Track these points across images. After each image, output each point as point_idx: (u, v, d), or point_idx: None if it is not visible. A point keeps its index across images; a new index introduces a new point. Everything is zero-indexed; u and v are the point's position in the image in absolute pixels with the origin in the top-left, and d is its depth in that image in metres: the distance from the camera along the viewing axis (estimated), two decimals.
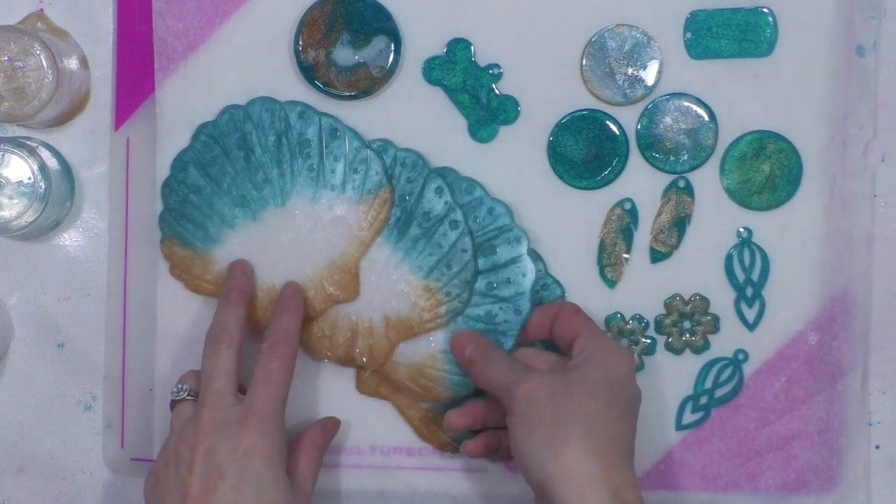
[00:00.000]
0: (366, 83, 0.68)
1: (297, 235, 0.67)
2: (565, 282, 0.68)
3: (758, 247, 0.67)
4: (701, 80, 0.67)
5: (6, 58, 0.67)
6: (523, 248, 0.67)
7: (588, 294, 0.68)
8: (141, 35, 0.70)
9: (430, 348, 0.67)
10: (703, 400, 0.68)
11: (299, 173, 0.67)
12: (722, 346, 0.68)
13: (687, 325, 0.68)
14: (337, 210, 0.67)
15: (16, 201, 0.67)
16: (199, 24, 0.69)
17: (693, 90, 0.67)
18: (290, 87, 0.68)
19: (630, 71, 0.67)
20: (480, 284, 0.67)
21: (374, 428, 0.69)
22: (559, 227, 0.68)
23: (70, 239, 0.71)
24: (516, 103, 0.68)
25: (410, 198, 0.67)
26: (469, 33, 0.68)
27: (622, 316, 0.68)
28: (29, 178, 0.67)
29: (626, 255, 0.68)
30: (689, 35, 0.67)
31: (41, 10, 0.70)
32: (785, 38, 0.67)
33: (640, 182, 0.68)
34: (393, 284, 0.67)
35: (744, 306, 0.68)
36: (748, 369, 0.68)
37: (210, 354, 0.63)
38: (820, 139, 0.67)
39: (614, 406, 0.59)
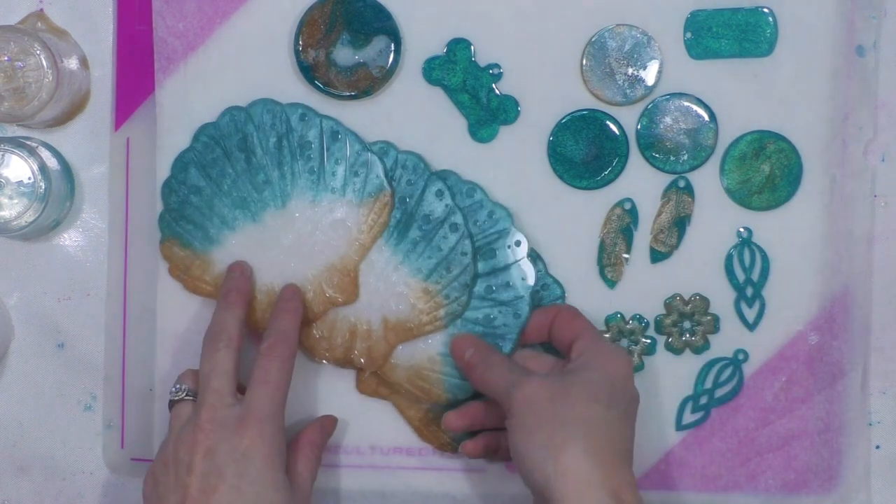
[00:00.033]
0: (366, 83, 0.68)
1: (297, 238, 0.67)
2: (565, 282, 0.68)
3: (758, 247, 0.67)
4: (701, 80, 0.67)
5: (6, 58, 0.67)
6: (523, 253, 0.67)
7: (588, 294, 0.68)
8: (141, 35, 0.70)
9: (428, 351, 0.67)
10: (703, 400, 0.68)
11: (300, 175, 0.67)
12: (722, 346, 0.68)
13: (687, 325, 0.68)
14: (337, 213, 0.67)
15: (16, 201, 0.67)
16: (199, 24, 0.69)
17: (693, 90, 0.67)
18: (290, 86, 0.68)
19: (630, 71, 0.67)
20: (479, 288, 0.67)
21: (374, 428, 0.69)
22: (559, 226, 0.68)
23: (70, 239, 0.71)
24: (516, 103, 0.68)
25: (411, 200, 0.67)
26: (469, 33, 0.68)
27: (622, 316, 0.68)
28: (29, 178, 0.67)
29: (626, 255, 0.68)
30: (689, 35, 0.67)
31: (41, 10, 0.70)
32: (785, 38, 0.67)
33: (640, 182, 0.68)
34: (392, 286, 0.67)
35: (744, 306, 0.68)
36: (748, 369, 0.68)
37: (208, 354, 0.63)
38: (820, 139, 0.67)
39: (613, 408, 0.59)
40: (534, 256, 0.67)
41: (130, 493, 0.72)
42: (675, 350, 0.68)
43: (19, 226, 0.67)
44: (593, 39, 0.67)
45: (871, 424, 0.69)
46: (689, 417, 0.68)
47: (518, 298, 0.66)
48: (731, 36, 0.67)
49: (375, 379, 0.68)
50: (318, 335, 0.68)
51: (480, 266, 0.67)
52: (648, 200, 0.68)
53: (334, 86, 0.68)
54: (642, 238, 0.68)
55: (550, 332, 0.65)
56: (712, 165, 0.67)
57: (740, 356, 0.68)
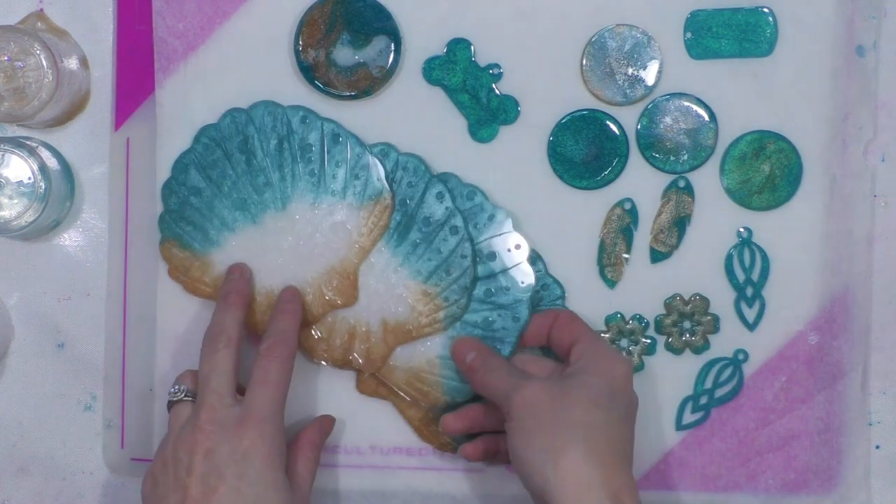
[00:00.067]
0: (366, 83, 0.68)
1: (297, 240, 0.67)
2: (565, 282, 0.68)
3: (758, 247, 0.67)
4: (701, 80, 0.67)
5: (6, 58, 0.67)
6: (523, 256, 0.67)
7: (588, 294, 0.68)
8: (141, 35, 0.70)
9: (427, 353, 0.67)
10: (703, 400, 0.68)
11: (300, 178, 0.67)
12: (722, 346, 0.68)
13: (687, 325, 0.68)
14: (337, 216, 0.67)
15: (16, 201, 0.67)
16: (199, 24, 0.69)
17: (693, 90, 0.67)
18: (290, 86, 0.68)
19: (630, 71, 0.67)
20: (479, 291, 0.67)
21: (374, 428, 0.69)
22: (559, 227, 0.68)
23: (70, 239, 0.71)
24: (516, 103, 0.68)
25: (411, 202, 0.67)
26: (469, 33, 0.68)
27: (622, 316, 0.68)
28: (29, 178, 0.67)
29: (626, 255, 0.68)
30: (689, 35, 0.67)
31: (41, 10, 0.70)
32: (785, 38, 0.67)
33: (640, 182, 0.68)
34: (392, 288, 0.67)
35: (744, 306, 0.68)
36: (748, 369, 0.68)
37: (208, 355, 0.63)
38: (820, 139, 0.67)
39: (613, 411, 0.59)
40: (534, 256, 0.67)
41: (130, 493, 0.72)
42: (675, 350, 0.68)
43: (19, 226, 0.67)
44: (593, 39, 0.67)
45: (871, 424, 0.69)
46: (689, 417, 0.68)
47: (517, 302, 0.66)
48: (731, 36, 0.67)
49: (375, 379, 0.68)
50: (316, 336, 0.68)
51: (480, 269, 0.67)
52: (648, 200, 0.68)
53: (334, 86, 0.68)
54: (642, 238, 0.68)
55: (549, 336, 0.65)
56: (712, 165, 0.67)
57: (740, 356, 0.68)
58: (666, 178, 0.68)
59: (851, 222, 0.67)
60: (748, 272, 0.67)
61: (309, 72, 0.68)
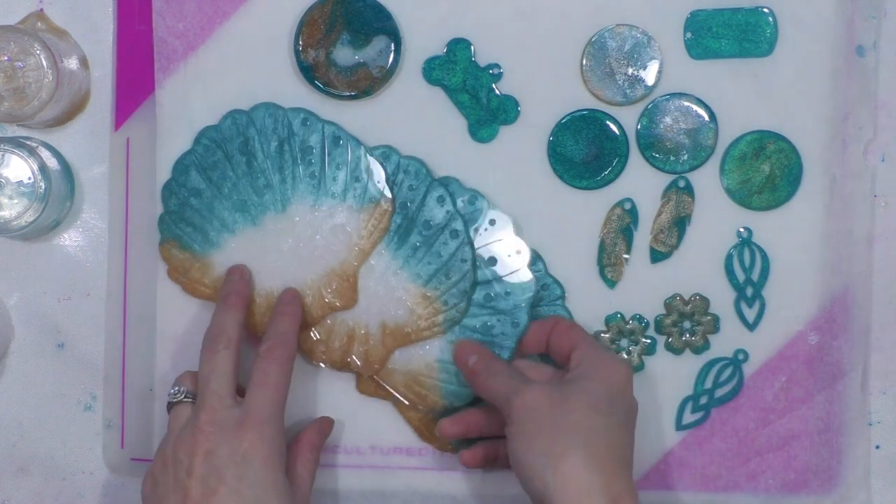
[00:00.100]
0: (366, 83, 0.68)
1: (297, 242, 0.67)
2: (565, 282, 0.68)
3: (758, 247, 0.67)
4: (701, 80, 0.67)
5: (6, 58, 0.67)
6: (523, 262, 0.67)
7: (588, 294, 0.68)
8: (141, 35, 0.70)
9: (426, 357, 0.67)
10: (703, 400, 0.68)
11: (301, 180, 0.67)
12: (722, 346, 0.68)
13: (687, 325, 0.68)
14: (337, 218, 0.67)
15: (16, 201, 0.67)
16: (199, 24, 0.69)
17: (693, 90, 0.67)
18: (290, 87, 0.68)
19: (630, 71, 0.67)
20: (478, 295, 0.67)
21: (374, 428, 0.69)
22: (559, 226, 0.68)
23: (70, 239, 0.71)
24: (516, 103, 0.68)
25: (412, 205, 0.67)
26: (469, 33, 0.68)
27: (622, 316, 0.68)
28: (29, 178, 0.67)
29: (626, 255, 0.68)
30: (689, 35, 0.67)
31: (41, 10, 0.70)
32: (785, 38, 0.66)
33: (640, 182, 0.68)
34: (391, 291, 0.67)
35: (744, 306, 0.68)
36: (748, 369, 0.68)
37: (207, 356, 0.63)
38: (820, 139, 0.67)
39: (613, 416, 0.59)
40: (534, 256, 0.67)
41: (130, 493, 0.72)
42: (675, 350, 0.68)
43: (19, 226, 0.67)
44: (593, 39, 0.67)
45: (871, 424, 0.69)
46: (689, 417, 0.68)
47: (517, 307, 0.66)
48: (731, 36, 0.67)
49: (374, 381, 0.68)
50: (315, 338, 0.68)
51: (480, 273, 0.66)
52: (648, 200, 0.68)
53: (334, 86, 0.68)
54: (642, 238, 0.68)
55: (548, 342, 0.65)
56: (712, 165, 0.67)
57: (740, 356, 0.68)
58: (666, 178, 0.68)
59: (851, 222, 0.67)
60: (748, 272, 0.67)
61: (309, 72, 0.68)
